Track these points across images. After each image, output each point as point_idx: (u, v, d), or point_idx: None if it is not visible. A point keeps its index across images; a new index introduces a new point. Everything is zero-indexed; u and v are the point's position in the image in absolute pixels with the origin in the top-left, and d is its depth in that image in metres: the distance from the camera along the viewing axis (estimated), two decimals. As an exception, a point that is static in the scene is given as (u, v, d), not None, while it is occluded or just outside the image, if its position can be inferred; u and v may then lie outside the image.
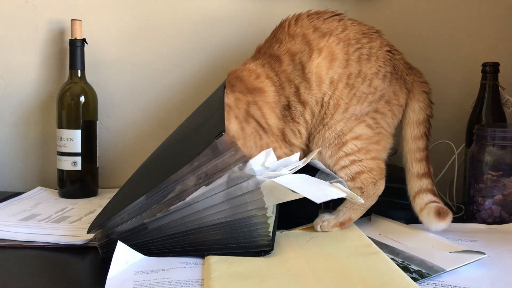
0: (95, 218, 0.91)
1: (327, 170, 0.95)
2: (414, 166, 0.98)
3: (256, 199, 0.79)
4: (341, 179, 0.93)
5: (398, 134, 1.02)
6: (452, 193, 1.14)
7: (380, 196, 0.99)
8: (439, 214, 0.91)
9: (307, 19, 0.97)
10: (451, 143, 1.14)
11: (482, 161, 0.98)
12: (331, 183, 0.90)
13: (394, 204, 1.03)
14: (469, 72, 1.21)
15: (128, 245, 0.81)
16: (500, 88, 1.10)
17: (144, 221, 0.81)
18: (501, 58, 1.13)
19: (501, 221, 0.96)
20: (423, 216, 0.93)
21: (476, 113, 1.11)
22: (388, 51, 0.98)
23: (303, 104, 0.95)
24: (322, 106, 0.95)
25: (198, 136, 0.89)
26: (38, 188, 1.27)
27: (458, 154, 1.13)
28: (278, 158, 0.91)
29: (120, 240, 0.81)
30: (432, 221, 0.91)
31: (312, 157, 0.94)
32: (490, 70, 1.09)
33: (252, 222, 0.80)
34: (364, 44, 0.96)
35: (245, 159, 0.80)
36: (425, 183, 0.97)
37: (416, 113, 0.99)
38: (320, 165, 0.95)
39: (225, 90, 0.97)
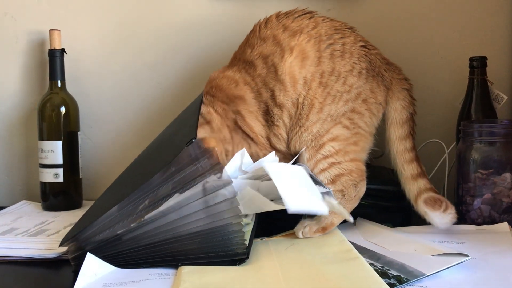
0: (69, 231, 0.89)
1: (316, 178, 0.90)
2: (406, 169, 0.95)
3: (232, 207, 0.76)
4: (329, 189, 0.88)
5: (382, 135, 0.99)
6: (444, 194, 1.10)
7: (368, 199, 0.96)
8: (426, 202, 0.89)
9: (276, 20, 0.95)
10: (441, 142, 1.10)
11: (469, 159, 0.94)
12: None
13: (381, 207, 0.99)
14: (457, 68, 1.17)
15: (100, 256, 0.78)
16: (488, 83, 1.06)
17: (118, 232, 0.78)
18: (489, 53, 1.09)
19: (491, 221, 0.92)
20: (427, 216, 0.90)
21: (465, 109, 1.07)
22: (362, 46, 0.94)
23: (280, 107, 0.93)
24: (297, 107, 0.92)
25: (171, 144, 0.87)
26: (23, 201, 1.25)
27: (448, 153, 1.09)
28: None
29: (92, 251, 0.79)
30: (429, 214, 0.89)
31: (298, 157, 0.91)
32: (478, 65, 1.05)
33: (228, 231, 0.77)
34: (336, 39, 0.93)
35: (221, 166, 0.77)
36: (422, 183, 0.93)
37: (398, 112, 0.96)
38: (308, 171, 0.90)
39: (205, 99, 0.95)
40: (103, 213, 0.80)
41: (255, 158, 0.93)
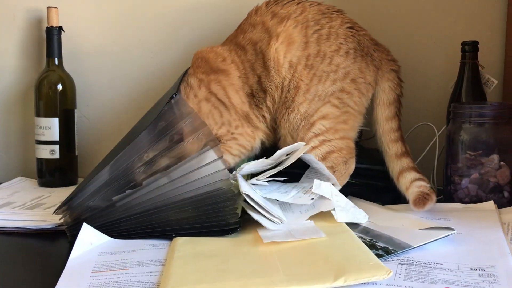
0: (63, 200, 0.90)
1: (319, 165, 0.89)
2: (391, 148, 0.97)
3: (219, 169, 0.78)
4: (332, 177, 0.88)
5: (370, 116, 1.01)
6: (433, 175, 1.12)
7: (358, 179, 0.99)
8: (416, 203, 0.89)
9: (265, 7, 0.98)
10: (432, 125, 1.12)
11: (459, 140, 0.96)
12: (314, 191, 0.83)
13: (371, 186, 1.02)
14: (450, 52, 1.19)
15: (96, 225, 0.80)
16: (479, 67, 1.08)
17: (113, 198, 0.80)
18: (482, 38, 1.11)
19: (478, 200, 0.94)
20: (408, 195, 0.92)
21: (456, 93, 1.09)
22: (350, 27, 0.96)
23: (264, 91, 0.95)
24: (282, 90, 0.94)
25: (156, 108, 0.89)
26: (19, 178, 1.26)
27: (439, 136, 1.11)
28: (240, 135, 0.92)
29: (87, 219, 0.80)
30: (411, 206, 0.90)
31: (297, 153, 0.87)
32: (469, 49, 1.07)
33: (219, 197, 0.79)
34: (323, 24, 0.95)
35: (206, 127, 0.79)
36: (406, 162, 0.96)
37: (386, 93, 0.98)
38: (310, 157, 0.89)
39: (189, 70, 0.97)
40: (94, 178, 0.81)
41: (226, 126, 0.95)
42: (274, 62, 0.94)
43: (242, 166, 0.84)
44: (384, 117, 0.98)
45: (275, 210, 0.81)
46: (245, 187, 0.79)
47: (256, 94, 0.96)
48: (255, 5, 1.02)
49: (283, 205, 0.86)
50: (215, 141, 0.79)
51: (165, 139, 0.80)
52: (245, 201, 0.79)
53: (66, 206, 0.83)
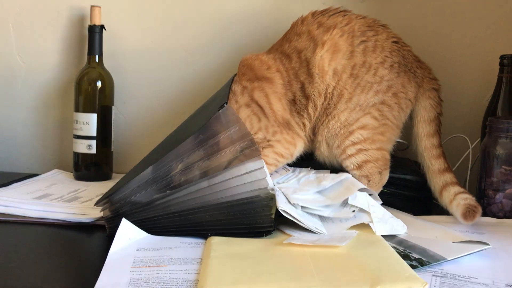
0: (105, 193, 0.93)
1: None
2: (434, 163, 0.99)
3: (259, 178, 0.79)
4: (373, 192, 0.90)
5: (406, 130, 1.02)
6: (465, 187, 1.12)
7: (391, 188, 0.99)
8: (465, 216, 0.90)
9: (311, 17, 0.99)
10: (466, 137, 1.12)
11: (494, 154, 0.96)
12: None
13: (403, 196, 1.02)
14: (487, 66, 1.18)
15: (133, 219, 0.82)
16: (518, 82, 1.08)
17: (154, 196, 0.82)
18: (520, 52, 1.11)
19: None
20: (452, 208, 0.93)
21: (492, 106, 1.09)
22: (395, 42, 0.97)
23: (307, 97, 0.96)
24: (325, 97, 0.95)
25: (204, 113, 0.91)
26: (55, 170, 1.30)
27: (472, 148, 1.11)
28: (277, 142, 0.94)
29: (126, 213, 0.83)
30: (459, 219, 0.91)
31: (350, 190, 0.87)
32: (508, 63, 1.07)
33: (256, 204, 0.81)
34: (369, 36, 0.96)
35: (250, 137, 0.81)
36: (449, 177, 0.97)
37: (427, 110, 1.00)
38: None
39: (235, 78, 0.98)
40: (137, 175, 0.84)
41: (263, 132, 0.95)
42: (319, 69, 0.95)
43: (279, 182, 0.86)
44: (425, 133, 0.99)
45: (314, 222, 0.82)
46: (282, 203, 0.81)
47: (298, 101, 0.97)
48: (295, 13, 1.03)
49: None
50: (257, 151, 0.80)
51: (209, 145, 0.82)
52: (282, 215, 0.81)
53: (107, 199, 0.85)
